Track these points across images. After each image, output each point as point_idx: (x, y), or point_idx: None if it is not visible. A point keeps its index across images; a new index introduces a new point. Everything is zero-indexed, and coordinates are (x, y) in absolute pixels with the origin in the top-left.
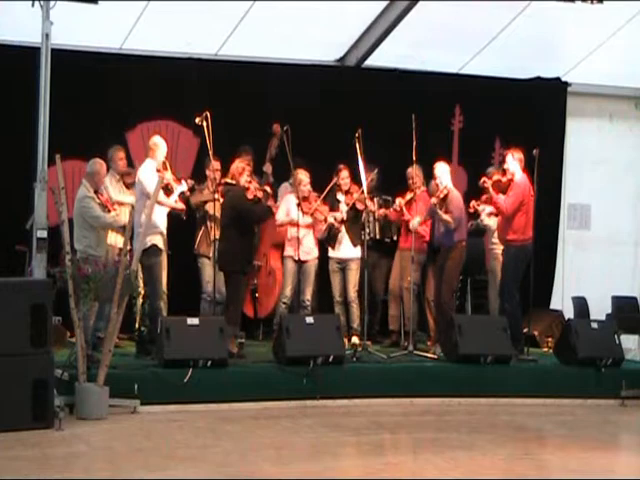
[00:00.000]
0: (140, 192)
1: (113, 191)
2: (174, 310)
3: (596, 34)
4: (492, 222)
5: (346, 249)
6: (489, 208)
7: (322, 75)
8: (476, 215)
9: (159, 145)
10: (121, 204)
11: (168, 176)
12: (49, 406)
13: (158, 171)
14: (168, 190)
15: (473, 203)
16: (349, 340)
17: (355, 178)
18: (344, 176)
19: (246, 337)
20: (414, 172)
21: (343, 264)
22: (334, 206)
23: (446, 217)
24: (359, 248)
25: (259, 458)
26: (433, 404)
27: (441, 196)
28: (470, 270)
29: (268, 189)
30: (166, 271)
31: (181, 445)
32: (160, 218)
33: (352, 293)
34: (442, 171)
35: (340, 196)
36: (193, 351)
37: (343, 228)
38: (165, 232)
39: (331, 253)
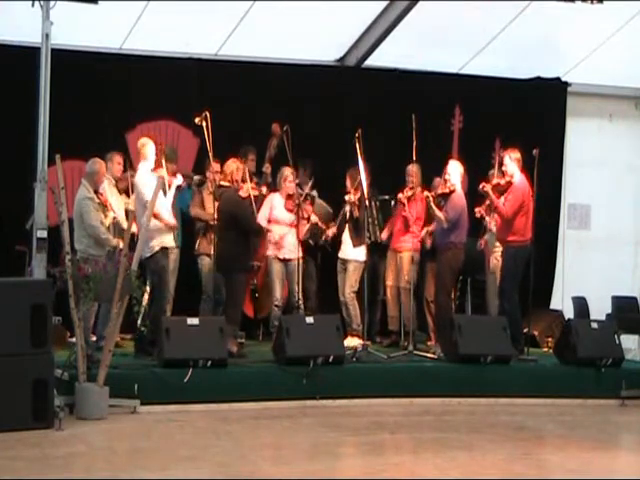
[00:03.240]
0: (139, 200)
1: (110, 197)
2: (174, 310)
3: (596, 34)
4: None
5: (347, 250)
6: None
7: (322, 75)
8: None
9: (146, 144)
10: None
11: (163, 173)
12: (49, 406)
13: (153, 170)
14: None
15: (479, 209)
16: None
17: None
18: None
19: (246, 337)
20: (414, 170)
21: (345, 265)
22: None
23: (438, 213)
24: (359, 250)
25: (259, 458)
26: (433, 404)
27: (439, 192)
28: (470, 270)
29: (264, 190)
30: (175, 272)
31: (181, 445)
32: (166, 216)
33: (347, 294)
34: (454, 169)
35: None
36: (193, 351)
37: (346, 229)
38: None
39: (339, 253)
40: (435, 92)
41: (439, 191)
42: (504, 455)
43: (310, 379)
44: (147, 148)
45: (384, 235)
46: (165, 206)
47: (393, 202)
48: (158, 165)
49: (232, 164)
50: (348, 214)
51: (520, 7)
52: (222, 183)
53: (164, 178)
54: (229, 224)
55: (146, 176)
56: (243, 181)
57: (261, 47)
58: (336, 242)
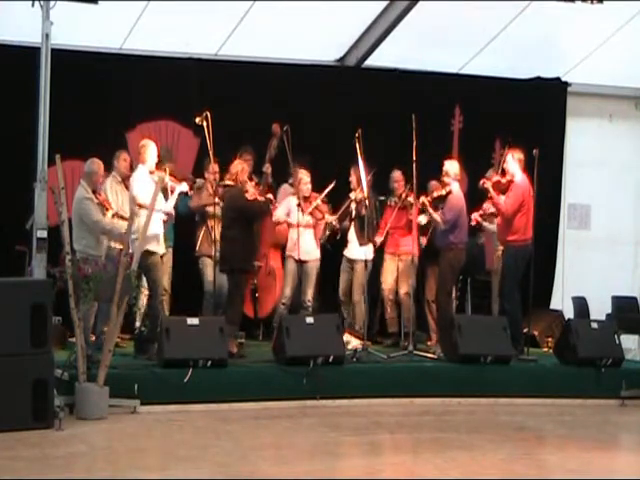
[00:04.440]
0: (132, 200)
1: (112, 198)
2: (176, 310)
3: (596, 34)
4: (493, 226)
5: (354, 249)
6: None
7: (322, 75)
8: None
9: (147, 146)
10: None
11: (166, 179)
12: (49, 406)
13: (151, 173)
14: (165, 193)
15: (475, 216)
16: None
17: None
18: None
19: (246, 337)
20: (398, 176)
21: (352, 264)
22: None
23: (435, 216)
24: (366, 248)
25: (259, 458)
26: (433, 404)
27: (435, 194)
28: (470, 270)
29: (270, 196)
30: (169, 270)
31: (181, 445)
32: (154, 222)
33: (356, 295)
34: (450, 169)
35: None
36: (193, 351)
37: (352, 228)
38: (160, 234)
39: (344, 252)
40: (435, 92)
41: (435, 194)
42: (504, 455)
43: (310, 379)
44: (147, 150)
45: (378, 239)
46: (162, 210)
47: (394, 204)
48: (159, 167)
49: (238, 165)
50: (354, 212)
51: (520, 7)
52: (226, 182)
53: (164, 181)
54: (233, 223)
55: (143, 178)
56: (246, 182)
57: (261, 47)
58: (336, 241)
